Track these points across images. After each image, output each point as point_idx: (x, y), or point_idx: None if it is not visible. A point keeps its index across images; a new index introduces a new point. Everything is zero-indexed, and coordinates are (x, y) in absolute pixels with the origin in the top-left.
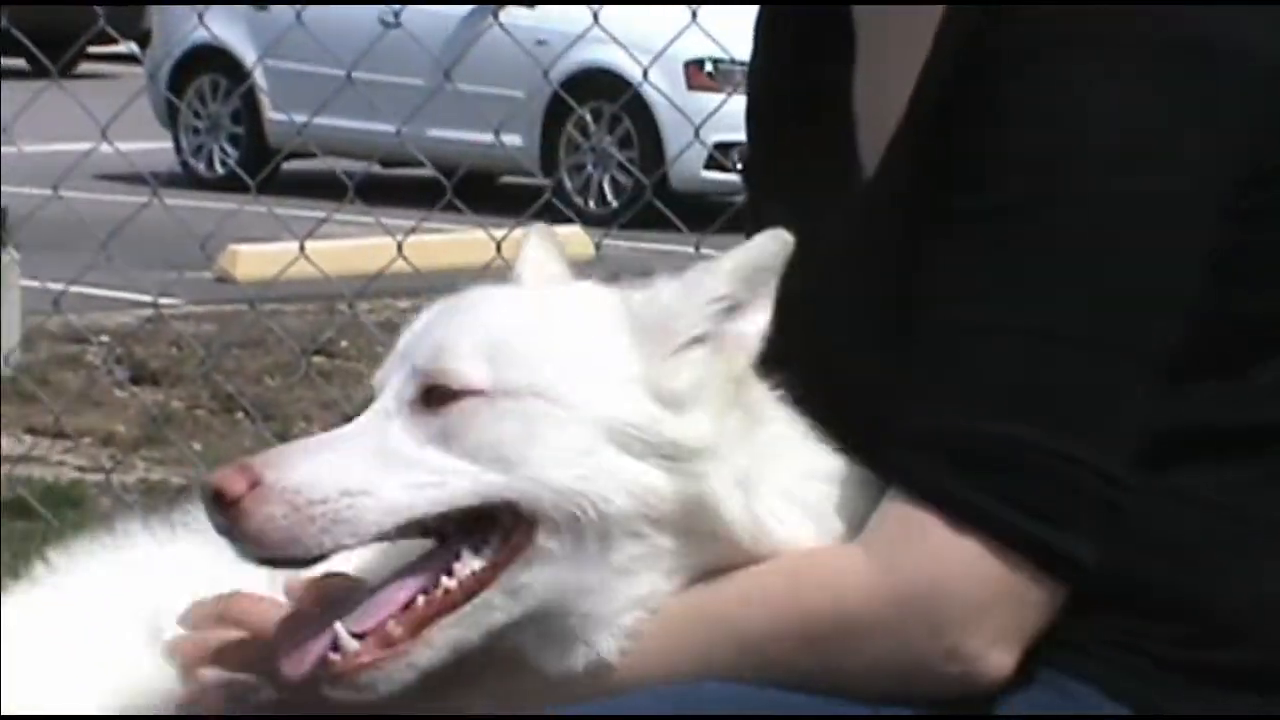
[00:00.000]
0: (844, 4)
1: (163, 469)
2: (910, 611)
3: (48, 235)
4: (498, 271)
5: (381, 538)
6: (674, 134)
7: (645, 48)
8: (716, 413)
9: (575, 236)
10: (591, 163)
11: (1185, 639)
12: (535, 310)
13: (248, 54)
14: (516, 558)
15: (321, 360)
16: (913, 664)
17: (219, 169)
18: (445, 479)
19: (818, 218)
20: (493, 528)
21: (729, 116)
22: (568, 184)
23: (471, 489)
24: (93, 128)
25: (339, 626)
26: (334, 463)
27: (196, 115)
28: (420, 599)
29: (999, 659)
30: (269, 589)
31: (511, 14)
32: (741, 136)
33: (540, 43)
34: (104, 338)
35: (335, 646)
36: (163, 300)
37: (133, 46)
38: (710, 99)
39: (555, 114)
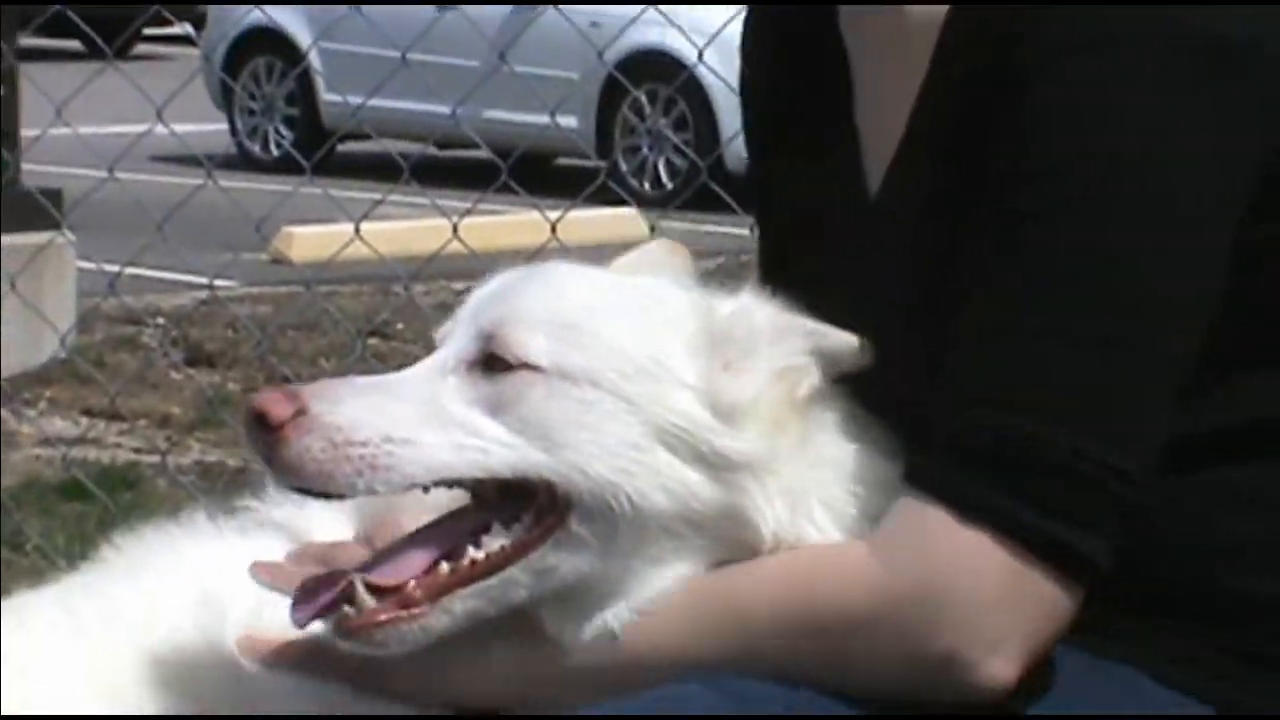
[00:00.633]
0: (830, 25)
1: (218, 451)
2: (908, 609)
3: (103, 217)
4: (552, 254)
5: (414, 488)
6: (729, 116)
7: (701, 30)
8: (770, 431)
9: (630, 218)
10: (647, 145)
11: (1268, 635)
12: (609, 298)
13: (303, 36)
14: (547, 539)
15: (376, 342)
16: (909, 664)
17: (274, 151)
18: (489, 446)
19: (826, 237)
20: (528, 503)
21: None
22: (623, 166)
23: (512, 462)
24: (148, 109)
25: (357, 579)
26: (382, 407)
27: (251, 97)
28: (445, 565)
29: (999, 667)
30: None
31: None
32: None
33: (595, 25)
34: (159, 320)
35: (350, 600)
36: (218, 282)
37: (188, 28)
38: None
39: (611, 96)
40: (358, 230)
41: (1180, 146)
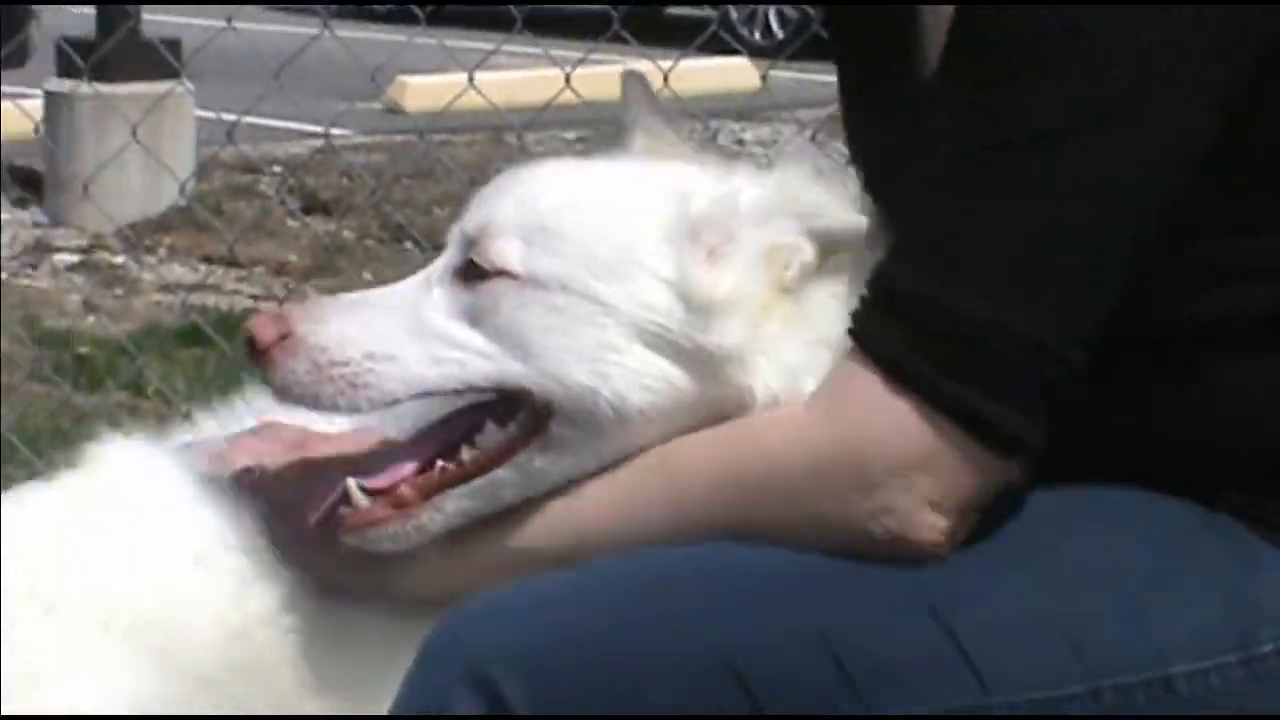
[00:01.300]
0: None
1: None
2: (840, 463)
3: (221, 66)
4: (665, 103)
5: (397, 403)
6: None
7: None
8: (754, 319)
9: (742, 67)
10: None
11: None
12: (582, 195)
13: None
14: (533, 440)
15: None
16: (842, 517)
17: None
18: (466, 358)
19: (886, 118)
20: (517, 406)
21: None
22: (733, 15)
23: (489, 372)
24: None
25: (351, 482)
26: (364, 324)
27: None
28: (437, 464)
29: (931, 520)
30: None
31: None
32: None
33: None
34: (276, 168)
35: (348, 500)
36: (334, 131)
37: None
38: None
39: None
40: (471, 79)
41: (1154, 34)
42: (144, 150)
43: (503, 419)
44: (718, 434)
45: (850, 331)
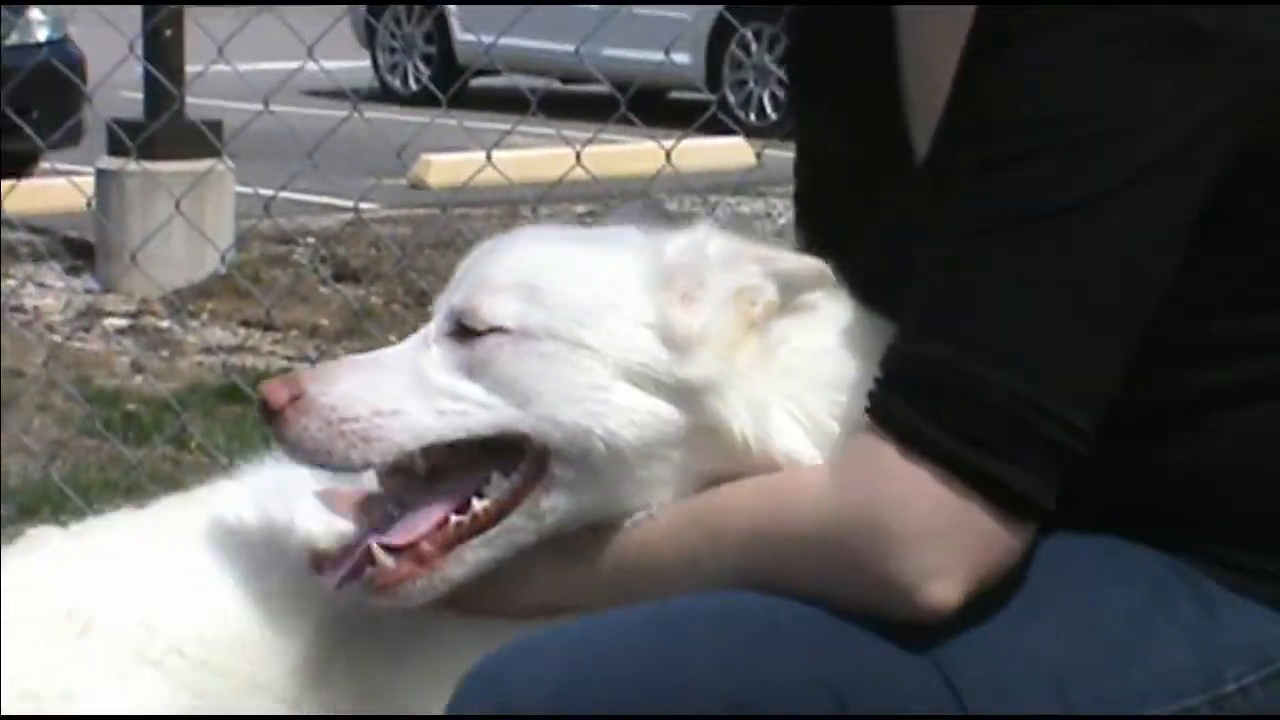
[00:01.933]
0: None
1: None
2: (853, 532)
3: (259, 146)
4: (668, 179)
5: (405, 455)
6: None
7: None
8: (725, 352)
9: (738, 146)
10: (753, 79)
11: None
12: (565, 253)
13: None
14: (536, 484)
15: None
16: (854, 585)
17: (413, 85)
18: (468, 409)
19: (864, 188)
20: (520, 454)
21: None
22: (731, 99)
23: (490, 420)
24: (300, 48)
25: (374, 543)
26: (371, 383)
27: (392, 36)
28: (452, 519)
29: (941, 591)
30: None
31: None
32: None
33: None
34: (309, 239)
35: (373, 561)
36: (362, 205)
37: None
38: None
39: (720, 34)
40: (489, 158)
41: (1143, 110)
42: (187, 223)
43: (506, 470)
44: (755, 492)
45: (866, 409)
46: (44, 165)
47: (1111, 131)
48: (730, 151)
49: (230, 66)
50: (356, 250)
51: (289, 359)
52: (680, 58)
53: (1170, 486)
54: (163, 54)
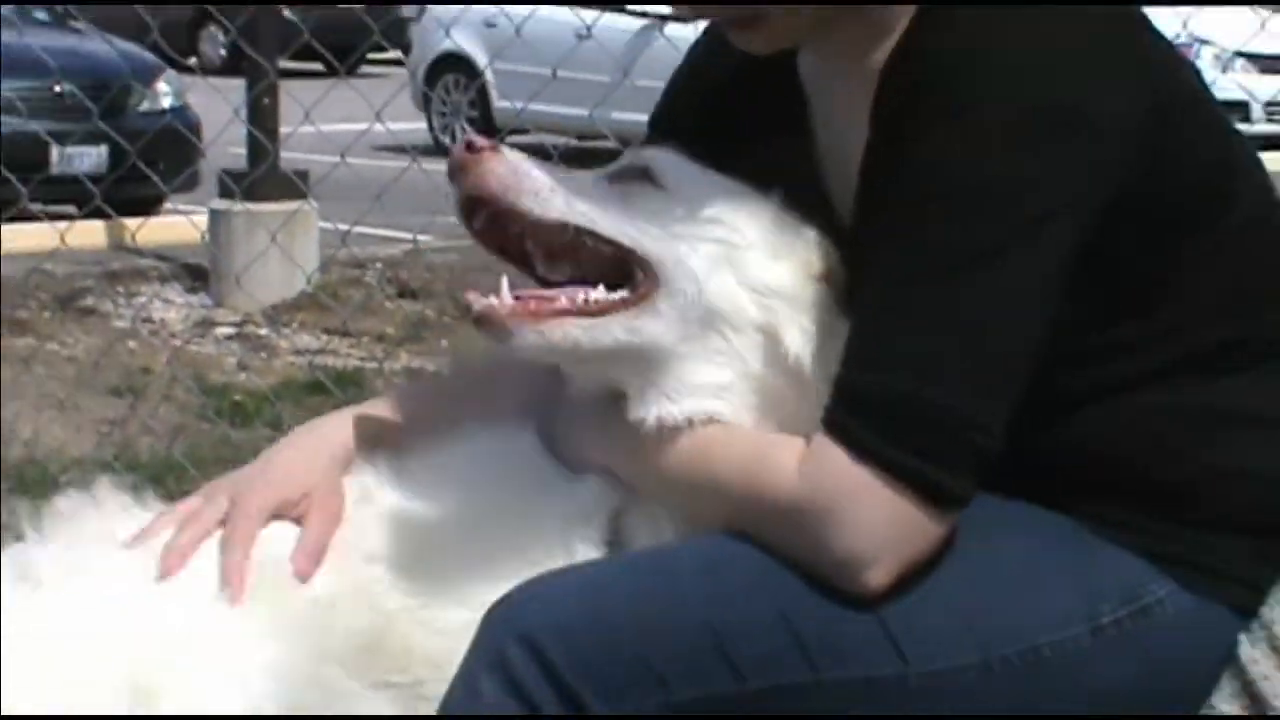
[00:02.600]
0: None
1: (420, 359)
2: (809, 514)
3: (338, 191)
4: None
5: (560, 224)
6: None
7: None
8: (799, 273)
9: None
10: None
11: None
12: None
13: (481, 58)
14: (641, 304)
15: None
16: (806, 558)
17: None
18: (611, 214)
19: None
20: (632, 280)
21: None
22: None
23: (634, 236)
24: (370, 112)
25: (504, 280)
26: (552, 173)
27: (443, 103)
28: (564, 298)
29: (874, 578)
30: None
31: (673, 28)
32: None
33: None
34: (378, 264)
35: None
36: (420, 237)
37: (399, 54)
38: None
39: None
40: None
41: (1031, 177)
42: (281, 251)
43: (613, 287)
44: (750, 455)
45: (821, 420)
46: (168, 206)
47: (1004, 195)
48: None
49: (315, 127)
50: (416, 273)
51: (361, 359)
52: None
53: (1061, 461)
54: (261, 117)
